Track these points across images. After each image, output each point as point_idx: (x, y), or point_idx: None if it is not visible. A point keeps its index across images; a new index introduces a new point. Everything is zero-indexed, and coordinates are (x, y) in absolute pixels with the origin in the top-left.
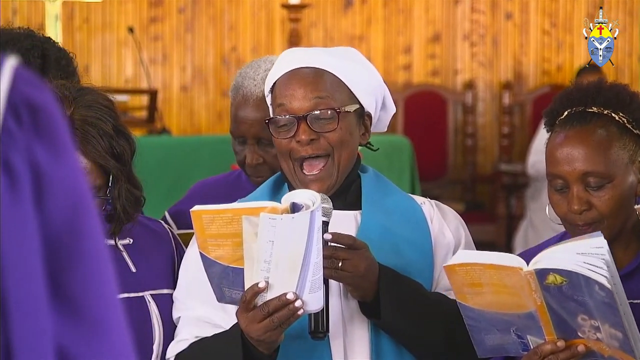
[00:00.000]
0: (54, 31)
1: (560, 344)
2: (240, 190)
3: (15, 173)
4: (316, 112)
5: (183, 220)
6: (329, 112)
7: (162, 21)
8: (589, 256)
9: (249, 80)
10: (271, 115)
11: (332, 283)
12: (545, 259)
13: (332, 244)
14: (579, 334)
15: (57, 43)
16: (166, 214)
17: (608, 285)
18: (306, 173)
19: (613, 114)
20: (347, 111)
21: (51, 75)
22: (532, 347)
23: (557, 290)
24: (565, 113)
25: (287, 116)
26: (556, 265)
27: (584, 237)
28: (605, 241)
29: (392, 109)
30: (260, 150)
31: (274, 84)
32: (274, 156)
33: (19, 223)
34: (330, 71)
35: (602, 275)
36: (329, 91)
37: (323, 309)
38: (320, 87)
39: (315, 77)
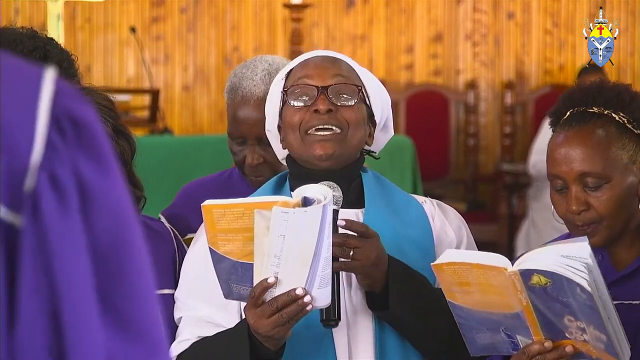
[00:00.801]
0: (56, 31)
1: (548, 344)
2: (231, 190)
3: (62, 186)
4: (337, 86)
5: (176, 224)
6: (351, 87)
7: (164, 21)
8: (571, 259)
9: (247, 81)
10: (280, 105)
11: (341, 272)
12: (530, 260)
13: (343, 231)
14: (567, 335)
15: (60, 44)
16: (161, 216)
17: (588, 288)
18: (315, 134)
19: (613, 114)
20: (364, 96)
21: None
22: (521, 346)
23: (542, 291)
24: (567, 113)
25: (308, 87)
26: (539, 266)
27: (569, 240)
28: (589, 247)
29: (390, 132)
30: (261, 150)
31: (290, 71)
32: (274, 155)
33: (70, 237)
34: (347, 62)
35: (583, 278)
36: (349, 71)
37: (335, 296)
38: (340, 68)
39: (335, 62)
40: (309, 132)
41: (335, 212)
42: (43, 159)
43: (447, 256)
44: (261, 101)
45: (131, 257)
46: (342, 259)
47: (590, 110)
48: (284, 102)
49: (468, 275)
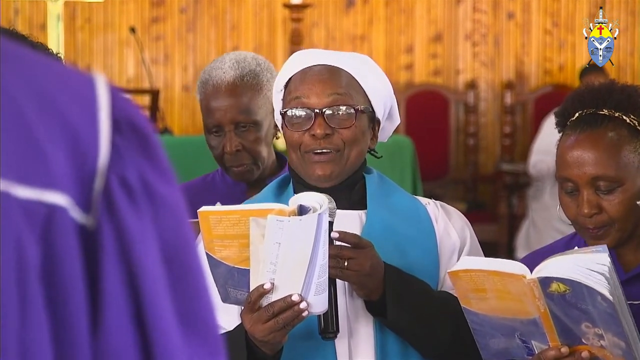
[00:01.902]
0: (56, 31)
1: (564, 350)
2: (214, 192)
3: (132, 189)
4: (334, 108)
5: None
6: (347, 108)
7: (164, 21)
8: (591, 269)
9: (216, 71)
10: (281, 110)
11: (338, 282)
12: (549, 267)
13: (338, 242)
14: (584, 340)
15: (46, 46)
16: None
17: (610, 297)
18: (314, 155)
19: (624, 117)
20: (362, 111)
21: None
22: (536, 352)
23: (560, 298)
24: (577, 114)
25: (304, 110)
26: (559, 273)
27: (588, 249)
28: (609, 259)
29: (397, 120)
30: (238, 137)
31: (289, 80)
32: (251, 142)
33: (147, 238)
34: (347, 70)
35: (604, 287)
36: (346, 88)
37: (333, 308)
38: (338, 84)
39: (333, 74)
40: (308, 152)
41: (330, 224)
42: (110, 162)
43: (463, 263)
44: (232, 86)
45: (193, 260)
46: (337, 270)
47: (601, 112)
48: (283, 121)
49: (484, 282)
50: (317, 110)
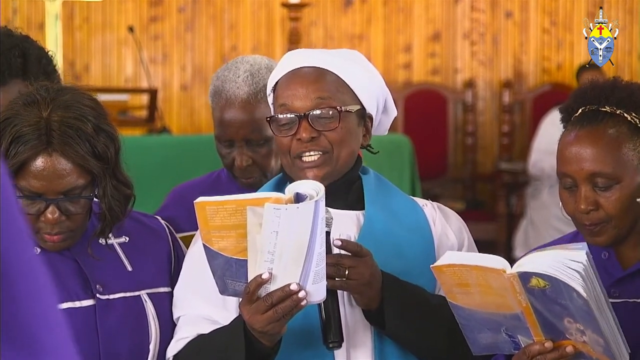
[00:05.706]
0: (54, 30)
1: (548, 344)
2: (220, 191)
3: None
4: (317, 111)
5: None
6: (330, 111)
7: (162, 20)
8: (568, 266)
9: (230, 83)
10: (272, 114)
11: (337, 291)
12: (529, 262)
13: (338, 251)
14: (567, 335)
15: (37, 41)
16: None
17: (584, 294)
18: (304, 160)
19: (625, 114)
20: (348, 111)
21: (32, 74)
22: (523, 346)
23: (541, 293)
24: (580, 111)
25: (289, 114)
26: (538, 269)
27: (569, 246)
28: (586, 257)
29: (393, 112)
30: (249, 152)
31: (276, 83)
32: (263, 156)
33: None
34: (333, 71)
35: (579, 283)
36: (330, 91)
37: (336, 317)
38: (322, 87)
39: (318, 77)
40: (296, 157)
41: (327, 234)
42: None
43: (446, 258)
44: (245, 103)
45: (12, 265)
46: (338, 278)
47: (603, 109)
48: (271, 127)
49: (468, 276)
50: (301, 114)
